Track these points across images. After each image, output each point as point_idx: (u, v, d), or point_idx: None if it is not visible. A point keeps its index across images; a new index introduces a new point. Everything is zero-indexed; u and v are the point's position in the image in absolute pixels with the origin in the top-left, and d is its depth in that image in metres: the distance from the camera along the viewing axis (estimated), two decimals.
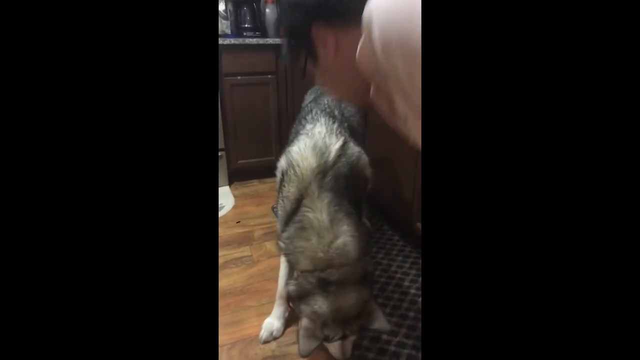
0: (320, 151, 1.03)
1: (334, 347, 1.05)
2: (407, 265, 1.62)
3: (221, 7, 2.65)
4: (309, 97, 1.49)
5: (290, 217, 1.01)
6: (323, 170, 1.00)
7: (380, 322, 0.97)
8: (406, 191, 1.70)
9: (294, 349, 1.19)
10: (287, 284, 1.02)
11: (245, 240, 1.82)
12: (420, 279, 1.53)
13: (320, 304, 0.92)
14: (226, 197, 2.27)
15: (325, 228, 0.96)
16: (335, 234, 0.96)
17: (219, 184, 2.40)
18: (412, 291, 1.45)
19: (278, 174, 1.09)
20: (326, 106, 1.26)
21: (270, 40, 2.29)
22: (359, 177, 1.10)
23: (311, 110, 1.24)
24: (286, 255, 1.03)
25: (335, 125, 1.13)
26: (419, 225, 1.65)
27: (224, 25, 2.60)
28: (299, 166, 1.01)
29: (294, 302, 0.98)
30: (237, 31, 2.55)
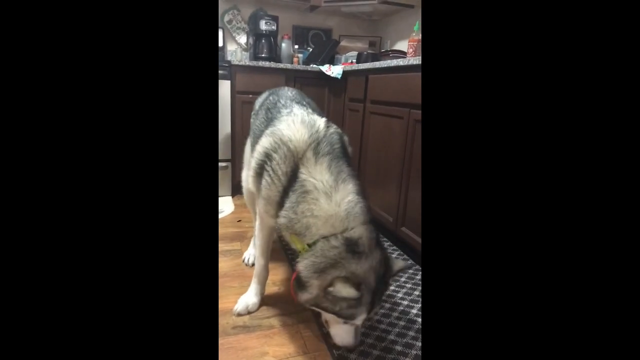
0: (310, 124, 1.04)
1: (347, 332, 0.98)
2: None
3: (242, 39, 2.96)
4: (263, 96, 1.47)
5: (286, 190, 0.97)
6: (316, 140, 0.99)
7: (398, 264, 0.99)
8: (392, 196, 1.77)
9: (266, 322, 1.22)
10: (296, 263, 0.95)
11: (238, 237, 1.90)
12: (401, 279, 1.54)
13: (356, 266, 0.87)
14: (227, 205, 2.37)
15: (332, 187, 0.93)
16: (344, 192, 0.93)
17: (223, 193, 2.52)
18: (399, 295, 1.46)
19: (259, 156, 1.05)
20: (293, 97, 1.31)
21: (281, 65, 2.52)
22: (347, 150, 1.11)
23: (277, 102, 1.26)
24: (290, 227, 0.95)
25: (310, 110, 1.18)
26: (403, 229, 1.69)
27: (243, 56, 2.89)
28: (291, 140, 0.99)
29: (312, 278, 0.90)
30: (254, 60, 2.81)
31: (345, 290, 0.85)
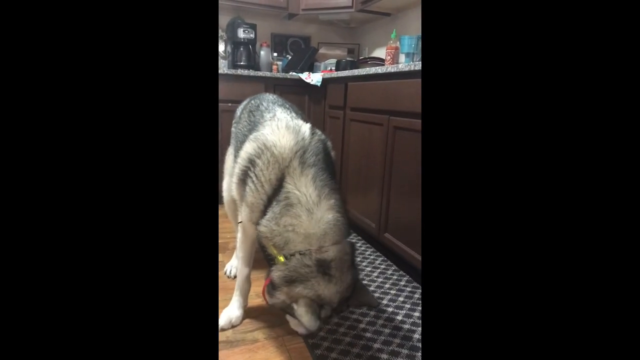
0: (295, 130, 1.02)
1: (295, 324, 1.07)
2: (375, 274, 1.64)
3: (221, 48, 2.93)
4: (244, 103, 1.44)
5: (270, 199, 0.97)
6: (302, 147, 0.99)
7: (368, 298, 1.03)
8: (374, 202, 1.77)
9: (250, 335, 1.19)
10: (271, 271, 0.97)
11: (220, 249, 1.86)
12: (385, 286, 1.54)
13: (323, 289, 0.91)
14: None
15: (314, 203, 0.94)
16: (325, 208, 0.94)
17: None
18: (384, 302, 1.46)
19: (243, 162, 1.04)
20: (275, 100, 1.30)
21: (260, 73, 2.51)
22: (331, 157, 1.11)
23: (259, 105, 1.25)
24: (270, 238, 0.96)
25: (293, 114, 1.18)
26: (386, 235, 1.70)
27: (222, 64, 2.86)
28: (275, 146, 0.98)
29: (282, 286, 0.94)
30: (233, 68, 2.79)
31: (305, 317, 0.91)
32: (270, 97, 1.35)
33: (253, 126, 1.15)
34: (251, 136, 1.07)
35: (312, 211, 0.93)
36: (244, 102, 1.45)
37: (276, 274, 0.95)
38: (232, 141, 1.35)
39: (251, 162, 1.01)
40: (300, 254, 0.92)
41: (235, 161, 1.13)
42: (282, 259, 0.95)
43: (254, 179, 0.99)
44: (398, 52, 2.22)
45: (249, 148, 1.04)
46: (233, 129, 1.40)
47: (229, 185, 1.49)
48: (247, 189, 1.01)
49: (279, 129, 1.03)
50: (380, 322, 1.29)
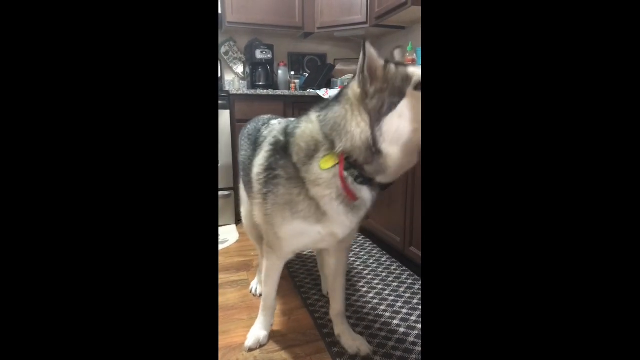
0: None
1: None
2: (402, 289, 1.60)
3: (240, 69, 3.01)
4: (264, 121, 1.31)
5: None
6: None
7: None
8: (398, 216, 1.74)
9: (277, 355, 1.18)
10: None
11: (244, 267, 1.86)
12: (413, 301, 1.50)
13: None
14: (231, 233, 2.35)
15: None
16: None
17: (226, 221, 2.50)
18: (413, 318, 1.42)
19: (260, 170, 1.02)
20: (265, 120, 1.28)
21: (279, 92, 2.55)
22: None
23: (254, 128, 1.25)
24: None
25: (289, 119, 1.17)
26: (412, 249, 1.66)
27: (240, 85, 2.94)
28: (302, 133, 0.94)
29: None
30: (252, 89, 2.86)
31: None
32: (260, 118, 1.34)
33: (256, 147, 1.13)
34: (265, 144, 1.05)
35: None
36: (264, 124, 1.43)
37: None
38: (241, 172, 1.33)
39: (272, 157, 0.99)
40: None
41: (248, 184, 1.13)
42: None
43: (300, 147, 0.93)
44: (415, 64, 2.22)
45: (261, 159, 1.03)
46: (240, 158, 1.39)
47: (248, 213, 1.49)
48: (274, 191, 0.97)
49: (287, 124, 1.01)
50: (410, 339, 1.25)
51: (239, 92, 2.45)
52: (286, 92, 2.56)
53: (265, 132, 1.13)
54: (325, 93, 2.48)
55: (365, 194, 0.92)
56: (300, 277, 1.72)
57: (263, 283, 1.23)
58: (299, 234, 1.00)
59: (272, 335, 1.27)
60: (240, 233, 2.37)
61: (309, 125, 0.94)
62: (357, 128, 0.85)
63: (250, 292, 1.59)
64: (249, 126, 1.34)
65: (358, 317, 1.37)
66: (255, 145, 1.14)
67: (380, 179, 0.89)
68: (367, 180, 0.89)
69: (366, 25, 2.60)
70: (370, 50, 0.84)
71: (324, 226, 0.97)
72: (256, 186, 1.04)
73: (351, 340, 1.19)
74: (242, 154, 1.27)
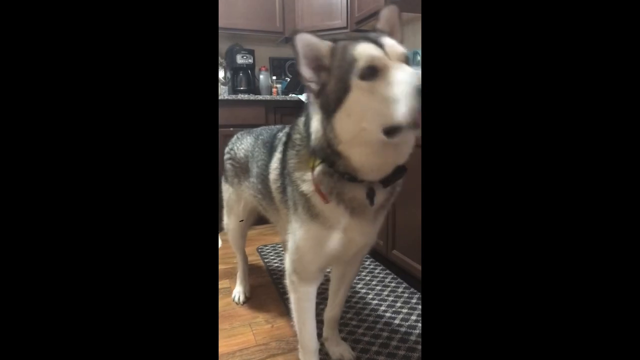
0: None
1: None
2: (386, 293, 1.60)
3: (221, 74, 2.99)
4: (243, 145, 1.37)
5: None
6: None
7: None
8: None
9: None
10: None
11: (226, 275, 1.84)
12: (397, 304, 1.50)
13: None
14: None
15: None
16: None
17: None
18: (397, 321, 1.43)
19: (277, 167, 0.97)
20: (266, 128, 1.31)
21: (260, 97, 2.54)
22: None
23: (262, 134, 1.25)
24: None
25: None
26: (395, 252, 1.67)
27: (222, 90, 2.91)
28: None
29: None
30: (234, 94, 2.84)
31: None
32: (271, 127, 1.31)
33: (271, 151, 1.06)
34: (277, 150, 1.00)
35: None
36: (243, 145, 1.37)
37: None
38: (258, 185, 1.17)
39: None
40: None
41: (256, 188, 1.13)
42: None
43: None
44: None
45: (274, 163, 0.98)
46: (230, 167, 1.40)
47: (236, 225, 1.47)
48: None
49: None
50: (393, 343, 1.25)
51: (221, 98, 2.43)
52: (268, 97, 2.55)
53: (280, 135, 1.06)
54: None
55: (359, 193, 0.81)
56: (284, 283, 1.70)
57: (296, 321, 1.03)
58: (318, 243, 0.89)
59: (255, 343, 1.25)
60: (223, 240, 2.34)
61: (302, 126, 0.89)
62: (314, 128, 0.78)
63: (233, 300, 1.57)
64: (260, 137, 1.24)
65: (342, 322, 1.37)
66: (271, 149, 1.06)
67: (367, 177, 0.78)
68: (353, 178, 0.78)
69: (347, 30, 2.61)
70: (304, 39, 0.71)
71: (340, 232, 0.87)
72: (276, 196, 0.98)
73: (335, 346, 1.18)
74: (259, 164, 1.14)
